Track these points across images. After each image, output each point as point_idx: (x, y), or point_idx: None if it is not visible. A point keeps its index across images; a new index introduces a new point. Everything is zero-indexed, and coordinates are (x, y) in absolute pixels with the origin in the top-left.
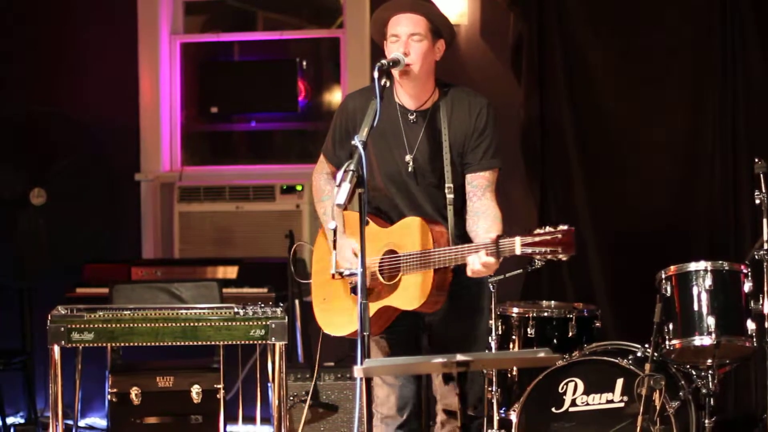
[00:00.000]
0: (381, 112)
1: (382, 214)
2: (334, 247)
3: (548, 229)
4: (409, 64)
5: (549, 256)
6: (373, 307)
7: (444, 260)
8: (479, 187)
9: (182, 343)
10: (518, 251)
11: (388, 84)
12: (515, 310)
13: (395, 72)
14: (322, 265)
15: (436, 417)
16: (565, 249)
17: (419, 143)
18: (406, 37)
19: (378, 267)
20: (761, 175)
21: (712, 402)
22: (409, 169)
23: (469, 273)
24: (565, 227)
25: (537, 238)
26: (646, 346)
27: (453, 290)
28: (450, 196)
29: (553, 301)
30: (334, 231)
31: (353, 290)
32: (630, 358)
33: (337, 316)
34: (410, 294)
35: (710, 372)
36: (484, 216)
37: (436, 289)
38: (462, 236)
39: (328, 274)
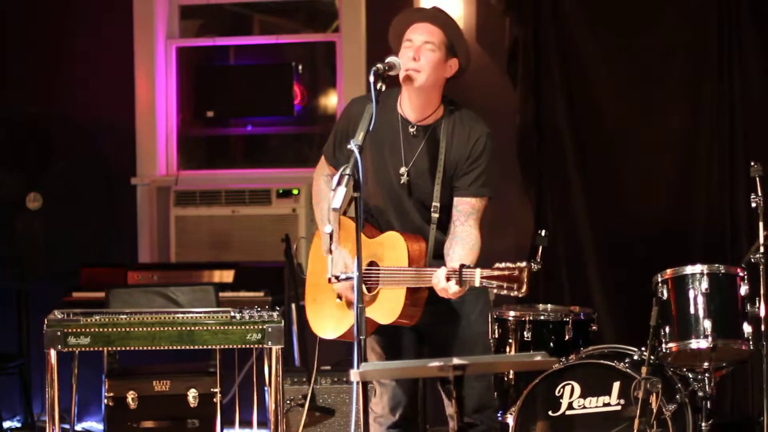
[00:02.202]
0: (383, 121)
1: (373, 221)
2: (329, 252)
3: (507, 264)
4: (417, 70)
5: (504, 292)
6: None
7: (413, 280)
8: (463, 212)
9: (179, 348)
10: (477, 283)
11: (383, 88)
12: (511, 313)
13: (401, 81)
14: (316, 265)
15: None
16: (518, 287)
17: (416, 158)
18: (419, 44)
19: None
20: (757, 179)
21: (708, 405)
22: (402, 181)
23: (438, 292)
24: (523, 264)
25: (496, 272)
26: (643, 349)
27: (436, 296)
28: (435, 215)
29: (549, 305)
30: (330, 235)
31: (340, 296)
32: (626, 361)
33: (325, 320)
34: (386, 308)
35: (707, 375)
36: (462, 243)
37: (409, 306)
38: (441, 256)
39: (321, 276)
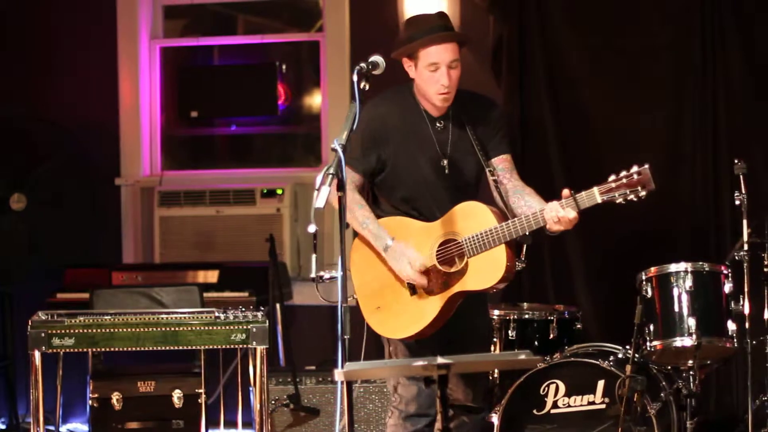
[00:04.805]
0: (407, 120)
1: (414, 213)
2: (315, 250)
3: (623, 173)
4: (450, 91)
5: (630, 197)
6: (442, 299)
7: (523, 228)
8: (507, 169)
9: (163, 348)
10: (598, 199)
11: (367, 87)
12: (496, 312)
13: (437, 99)
14: (365, 275)
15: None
16: (645, 185)
17: (450, 146)
18: (445, 68)
19: (437, 257)
20: (741, 177)
21: (693, 403)
22: (446, 171)
23: (551, 226)
24: (635, 168)
25: (614, 184)
26: (627, 347)
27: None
28: (492, 178)
29: (534, 303)
30: (315, 234)
31: (412, 288)
32: (611, 359)
33: (400, 319)
34: (486, 272)
35: (691, 373)
36: (528, 193)
37: (512, 260)
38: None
39: (374, 285)
